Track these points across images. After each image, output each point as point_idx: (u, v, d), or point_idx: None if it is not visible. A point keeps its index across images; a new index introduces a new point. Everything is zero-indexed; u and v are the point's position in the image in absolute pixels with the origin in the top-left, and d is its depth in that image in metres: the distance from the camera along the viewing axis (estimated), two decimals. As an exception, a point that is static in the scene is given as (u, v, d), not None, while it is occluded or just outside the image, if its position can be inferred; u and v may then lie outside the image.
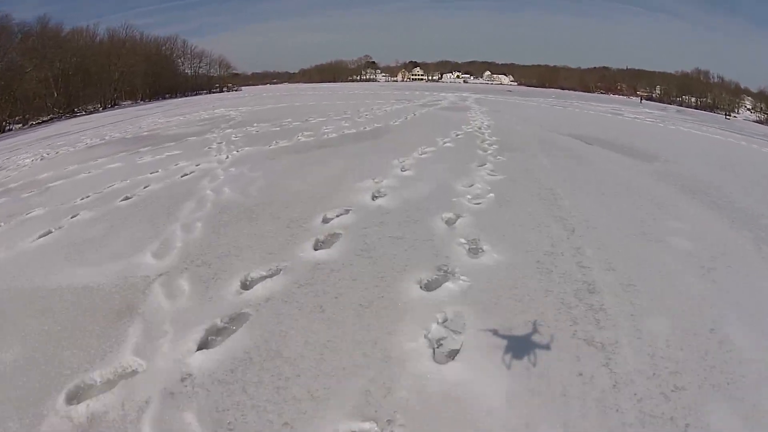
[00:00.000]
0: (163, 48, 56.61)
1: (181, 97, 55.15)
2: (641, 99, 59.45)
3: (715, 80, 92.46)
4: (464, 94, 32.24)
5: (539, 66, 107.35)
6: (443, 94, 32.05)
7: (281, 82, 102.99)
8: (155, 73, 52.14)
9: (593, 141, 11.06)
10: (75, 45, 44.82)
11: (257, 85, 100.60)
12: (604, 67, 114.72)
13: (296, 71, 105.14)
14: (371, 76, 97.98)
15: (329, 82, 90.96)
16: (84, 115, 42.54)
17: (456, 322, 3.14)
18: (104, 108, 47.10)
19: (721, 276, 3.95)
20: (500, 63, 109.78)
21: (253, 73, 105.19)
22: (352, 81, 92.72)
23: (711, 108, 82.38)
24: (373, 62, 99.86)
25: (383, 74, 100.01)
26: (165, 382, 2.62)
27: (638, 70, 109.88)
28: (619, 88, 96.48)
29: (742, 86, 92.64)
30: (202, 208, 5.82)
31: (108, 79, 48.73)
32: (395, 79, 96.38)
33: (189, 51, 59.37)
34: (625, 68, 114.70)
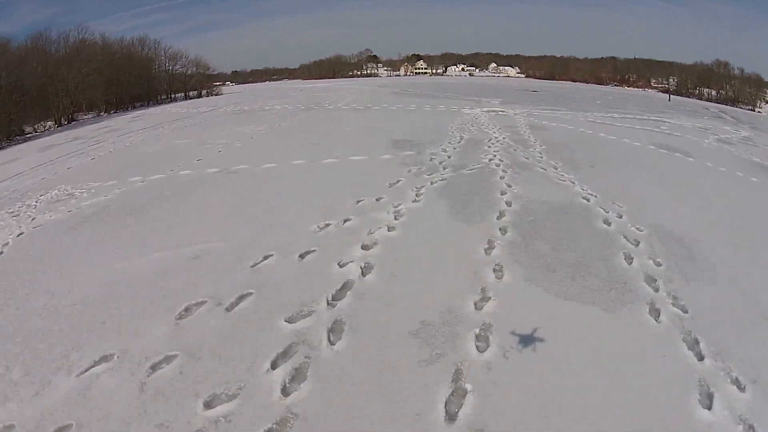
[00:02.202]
0: (133, 51, 44.14)
1: (152, 105, 42.99)
2: (669, 96, 45.94)
3: (736, 72, 78.11)
4: (498, 109, 19.81)
5: (546, 57, 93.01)
6: (468, 110, 19.58)
7: (281, 79, 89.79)
8: (121, 80, 39.90)
9: None
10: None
11: (256, 82, 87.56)
12: (612, 57, 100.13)
13: (297, 67, 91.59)
14: (372, 71, 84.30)
15: (329, 78, 77.79)
16: (25, 141, 30.85)
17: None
18: (59, 125, 35.36)
19: None
20: (505, 54, 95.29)
21: (252, 70, 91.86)
22: (352, 76, 79.34)
23: (733, 102, 69.09)
24: (375, 56, 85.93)
25: (385, 68, 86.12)
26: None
27: (647, 60, 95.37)
28: (632, 80, 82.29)
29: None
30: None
31: (63, 91, 36.57)
32: (398, 73, 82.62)
33: (163, 52, 46.77)
34: (633, 58, 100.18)
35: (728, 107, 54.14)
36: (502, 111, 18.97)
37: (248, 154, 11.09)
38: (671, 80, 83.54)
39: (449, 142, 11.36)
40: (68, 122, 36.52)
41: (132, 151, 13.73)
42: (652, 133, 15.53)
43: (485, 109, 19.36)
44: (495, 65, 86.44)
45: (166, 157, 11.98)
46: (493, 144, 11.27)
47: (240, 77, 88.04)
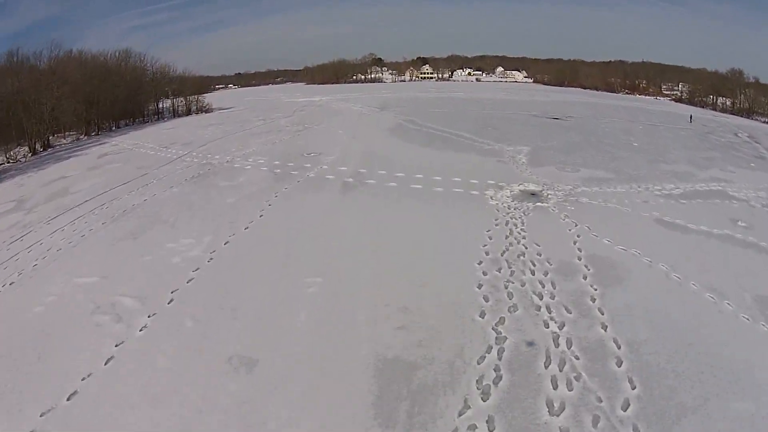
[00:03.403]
0: (120, 64, 37.91)
1: (137, 124, 37.25)
2: (690, 117, 38.77)
3: (751, 80, 70.29)
4: (532, 187, 13.82)
5: (554, 60, 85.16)
6: (492, 196, 13.58)
7: (284, 82, 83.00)
8: (101, 99, 34.04)
9: None
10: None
11: (259, 85, 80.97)
12: (620, 61, 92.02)
13: (300, 68, 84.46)
14: (377, 75, 77.19)
15: (331, 83, 70.99)
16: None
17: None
18: (33, 153, 29.93)
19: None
20: (512, 57, 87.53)
21: (256, 72, 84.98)
22: (356, 81, 72.44)
23: (748, 113, 62.13)
24: (380, 59, 78.60)
25: (390, 72, 78.90)
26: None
27: (656, 63, 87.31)
28: (642, 86, 74.67)
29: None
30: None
31: (36, 117, 30.82)
32: (403, 78, 75.53)
33: (151, 65, 40.44)
34: (641, 61, 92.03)
35: (745, 121, 47.67)
36: (538, 195, 13.21)
37: (139, 395, 5.71)
38: (682, 86, 76.06)
39: (482, 390, 5.71)
40: (44, 149, 31.08)
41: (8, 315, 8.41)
42: (737, 254, 9.95)
43: (516, 189, 13.56)
44: (502, 69, 78.87)
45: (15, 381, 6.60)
46: (557, 392, 5.67)
47: (243, 79, 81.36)
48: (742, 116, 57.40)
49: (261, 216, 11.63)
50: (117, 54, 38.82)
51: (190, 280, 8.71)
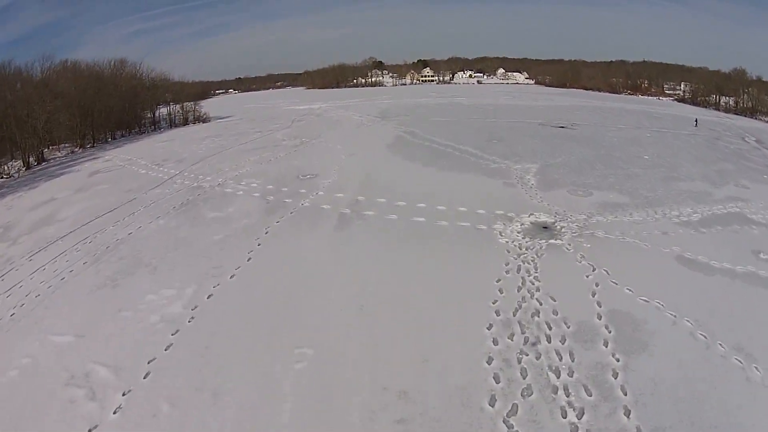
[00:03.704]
0: (116, 74, 36.82)
1: (134, 135, 36.21)
2: (696, 121, 37.37)
3: (753, 78, 68.70)
4: (543, 219, 12.73)
5: (555, 61, 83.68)
6: (501, 231, 12.51)
7: (284, 86, 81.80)
8: (96, 110, 33.04)
9: None
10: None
11: (259, 90, 79.84)
12: (621, 61, 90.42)
13: (301, 72, 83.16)
14: (377, 78, 75.86)
15: (331, 87, 69.82)
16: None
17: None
18: (27, 167, 29.05)
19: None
20: (513, 58, 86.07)
21: (256, 77, 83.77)
22: (356, 85, 71.20)
23: (752, 113, 60.71)
24: (380, 62, 77.22)
25: (391, 75, 77.59)
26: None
27: (657, 63, 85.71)
28: (644, 87, 73.17)
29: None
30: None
31: (28, 132, 29.87)
32: (403, 81, 74.25)
33: (146, 75, 39.36)
34: (642, 61, 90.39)
35: (749, 122, 46.59)
36: (551, 228, 12.16)
37: None
38: (684, 86, 74.60)
39: None
40: (38, 162, 30.19)
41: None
42: (761, 297, 9.03)
43: (526, 221, 12.51)
44: (503, 71, 77.42)
45: None
46: None
47: (243, 84, 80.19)
48: (745, 116, 56.24)
49: (249, 260, 10.60)
50: (112, 63, 37.70)
51: (168, 347, 7.72)
